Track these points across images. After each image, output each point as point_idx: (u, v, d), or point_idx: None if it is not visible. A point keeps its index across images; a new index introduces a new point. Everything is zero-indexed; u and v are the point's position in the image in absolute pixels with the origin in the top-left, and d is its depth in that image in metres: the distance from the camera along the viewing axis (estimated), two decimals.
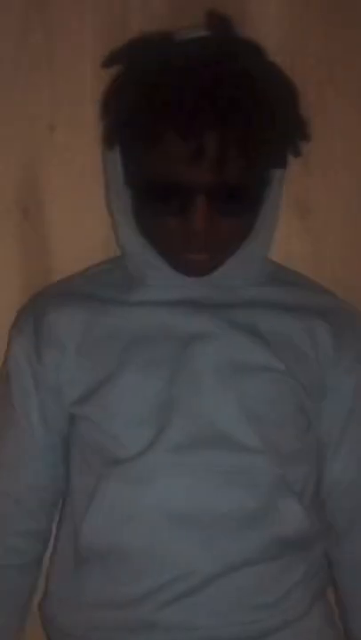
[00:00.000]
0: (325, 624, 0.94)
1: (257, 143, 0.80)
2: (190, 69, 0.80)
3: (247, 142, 0.79)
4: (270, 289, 0.95)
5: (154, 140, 0.80)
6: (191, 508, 0.87)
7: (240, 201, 0.85)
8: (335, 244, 1.11)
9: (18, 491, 0.95)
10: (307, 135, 0.87)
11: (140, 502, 0.88)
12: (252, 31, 0.92)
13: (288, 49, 1.02)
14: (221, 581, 0.86)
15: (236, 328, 0.90)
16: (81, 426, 0.93)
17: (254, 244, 0.91)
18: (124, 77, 0.87)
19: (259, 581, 0.88)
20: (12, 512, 0.95)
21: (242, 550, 0.88)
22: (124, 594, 0.88)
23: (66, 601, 0.93)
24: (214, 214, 0.83)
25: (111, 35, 0.98)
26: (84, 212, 1.05)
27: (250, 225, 0.89)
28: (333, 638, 0.95)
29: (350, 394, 0.94)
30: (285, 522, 0.89)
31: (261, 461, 0.88)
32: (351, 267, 1.11)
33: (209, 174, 0.80)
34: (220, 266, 0.90)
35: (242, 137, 0.79)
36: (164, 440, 0.87)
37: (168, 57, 0.83)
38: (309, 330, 0.92)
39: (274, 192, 0.90)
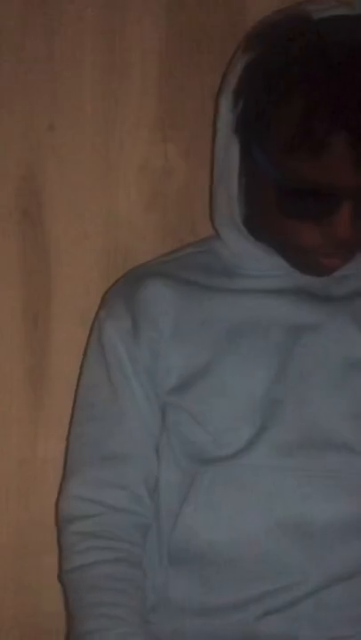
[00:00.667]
0: None
1: None
2: (350, 59, 0.71)
3: None
4: None
5: (319, 147, 0.71)
6: (297, 515, 0.81)
7: None
8: None
9: (131, 482, 0.86)
10: None
11: (242, 506, 0.82)
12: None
13: None
14: (325, 593, 0.81)
15: (349, 320, 0.84)
16: (173, 417, 0.85)
17: None
18: (274, 69, 0.74)
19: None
20: (126, 506, 0.85)
21: (347, 561, 0.82)
22: (221, 600, 0.82)
23: (151, 603, 0.86)
24: (357, 220, 0.76)
25: (111, 35, 0.98)
26: (84, 212, 1.04)
27: None
28: None
29: None
30: None
31: None
32: None
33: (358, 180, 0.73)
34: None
35: None
36: (267, 440, 0.81)
37: (324, 47, 0.72)
38: None
39: None
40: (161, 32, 1.02)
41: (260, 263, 0.85)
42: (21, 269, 1.05)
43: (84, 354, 0.93)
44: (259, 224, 0.84)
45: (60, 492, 0.90)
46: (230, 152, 0.81)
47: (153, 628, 0.85)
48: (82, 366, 0.93)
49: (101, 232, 1.02)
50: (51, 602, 1.01)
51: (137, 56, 1.02)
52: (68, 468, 0.90)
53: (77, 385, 0.93)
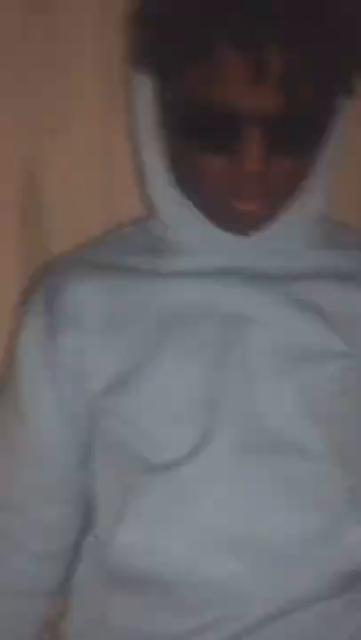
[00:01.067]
0: None
1: (330, 62, 0.64)
2: None
3: (319, 60, 0.63)
4: (334, 253, 0.79)
5: (202, 53, 0.64)
6: (244, 530, 0.71)
7: (304, 136, 0.69)
8: None
9: (27, 503, 0.81)
10: None
11: (181, 521, 0.72)
12: None
13: None
14: (280, 622, 0.71)
15: (294, 305, 0.74)
16: (107, 422, 0.77)
17: (312, 197, 0.75)
18: None
19: (320, 622, 0.73)
20: (19, 529, 0.82)
21: (303, 584, 0.72)
22: (162, 628, 0.74)
23: (88, 629, 0.80)
24: (271, 152, 0.67)
25: (111, 34, 0.98)
26: (84, 211, 1.03)
27: (309, 170, 0.72)
28: None
29: None
30: (354, 549, 0.72)
31: (326, 470, 0.73)
32: None
33: (270, 100, 0.64)
34: (272, 221, 0.74)
35: (312, 52, 0.63)
36: (210, 444, 0.72)
37: None
38: None
39: (337, 132, 0.73)
40: None
41: (193, 233, 0.76)
42: (21, 269, 1.04)
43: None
44: (180, 175, 0.75)
45: None
46: (144, 92, 0.75)
47: None
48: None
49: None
50: None
51: None
52: None
53: None
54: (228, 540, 0.72)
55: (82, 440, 0.80)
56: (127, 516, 0.74)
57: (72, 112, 1.02)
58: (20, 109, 1.02)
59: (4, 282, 1.04)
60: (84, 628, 0.81)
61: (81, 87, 1.01)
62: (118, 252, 0.81)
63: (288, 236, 0.76)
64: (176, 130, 0.71)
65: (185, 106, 0.69)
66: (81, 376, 0.77)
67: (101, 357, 0.76)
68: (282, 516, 0.72)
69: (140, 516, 0.74)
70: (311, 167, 0.73)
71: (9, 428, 0.82)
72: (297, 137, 0.68)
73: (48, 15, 1.00)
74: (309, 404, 0.73)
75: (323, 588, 0.72)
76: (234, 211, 0.72)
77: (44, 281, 0.83)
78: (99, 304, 0.77)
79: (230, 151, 0.67)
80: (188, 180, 0.74)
